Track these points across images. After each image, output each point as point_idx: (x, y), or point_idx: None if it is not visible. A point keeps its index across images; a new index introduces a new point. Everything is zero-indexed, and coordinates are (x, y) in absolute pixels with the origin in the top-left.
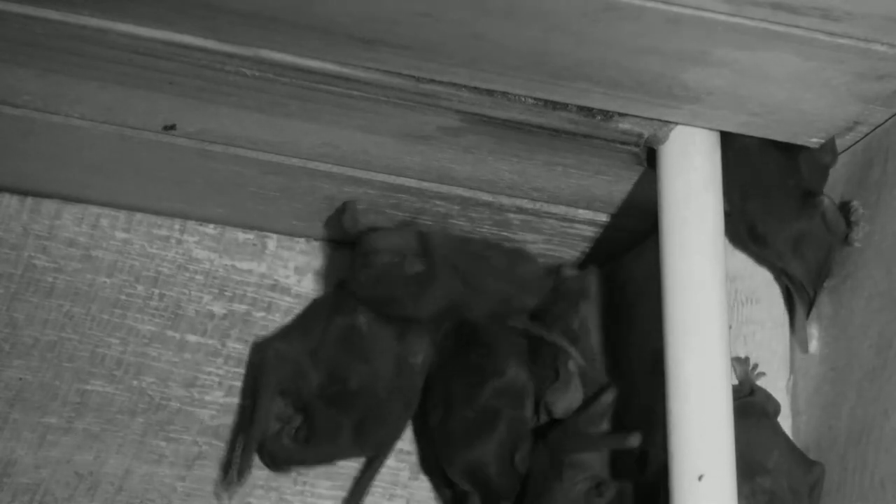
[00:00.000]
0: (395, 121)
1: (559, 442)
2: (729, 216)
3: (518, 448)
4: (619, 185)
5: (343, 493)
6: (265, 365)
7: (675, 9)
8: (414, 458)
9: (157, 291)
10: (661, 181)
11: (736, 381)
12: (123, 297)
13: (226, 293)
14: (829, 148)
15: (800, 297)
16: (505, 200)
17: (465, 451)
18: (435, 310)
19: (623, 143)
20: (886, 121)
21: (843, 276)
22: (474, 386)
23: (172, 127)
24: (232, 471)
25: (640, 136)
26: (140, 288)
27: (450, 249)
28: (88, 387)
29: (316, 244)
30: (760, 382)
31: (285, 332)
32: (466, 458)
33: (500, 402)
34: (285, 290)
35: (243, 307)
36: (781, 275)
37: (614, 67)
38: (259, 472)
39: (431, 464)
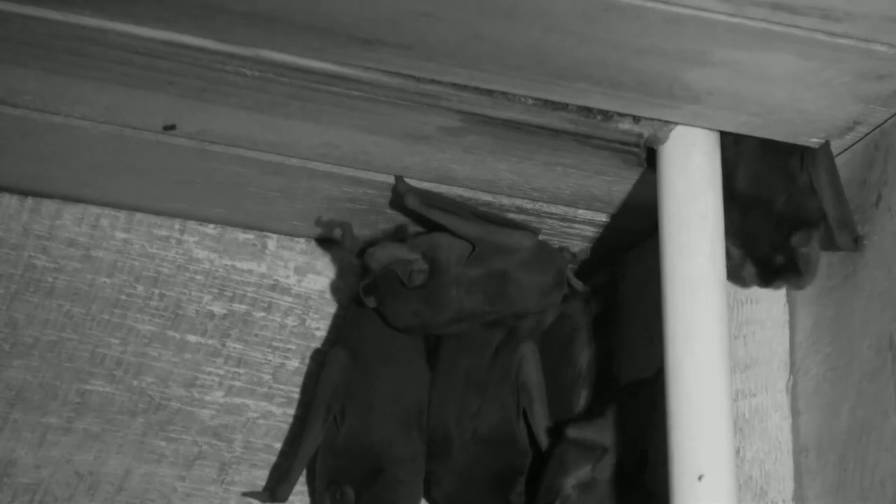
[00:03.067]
0: (395, 121)
1: None
2: None
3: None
4: (619, 185)
5: None
6: (324, 372)
7: (675, 9)
8: None
9: (157, 291)
10: (661, 181)
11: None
12: (123, 297)
13: (226, 293)
14: None
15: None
16: (505, 200)
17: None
18: (449, 316)
19: (623, 143)
20: (886, 121)
21: (843, 276)
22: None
23: (172, 127)
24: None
25: (640, 136)
26: (140, 288)
27: (457, 256)
28: (88, 387)
29: (316, 244)
30: (761, 383)
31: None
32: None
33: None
34: (285, 290)
35: (243, 307)
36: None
37: (614, 67)
38: (259, 472)
39: None
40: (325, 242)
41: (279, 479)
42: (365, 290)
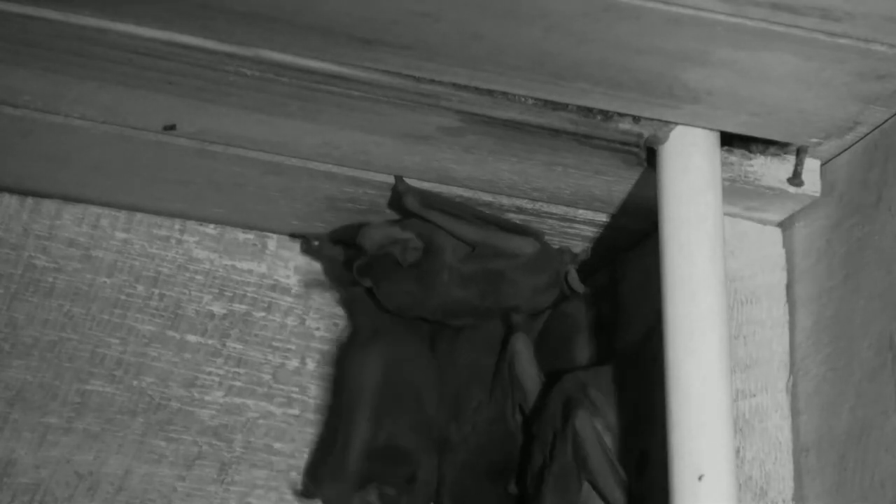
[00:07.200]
0: (395, 121)
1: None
2: None
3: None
4: (619, 185)
5: None
6: (358, 374)
7: (675, 9)
8: None
9: (157, 291)
10: (661, 181)
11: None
12: (123, 297)
13: (226, 293)
14: None
15: None
16: (505, 200)
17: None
18: (438, 302)
19: (623, 143)
20: (886, 121)
21: (843, 275)
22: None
23: (172, 127)
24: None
25: (640, 136)
26: (140, 288)
27: (454, 246)
28: (88, 387)
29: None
30: (761, 383)
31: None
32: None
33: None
34: (285, 290)
35: (243, 307)
36: None
37: (614, 67)
38: (259, 472)
39: None
40: (308, 251)
41: (334, 476)
42: (359, 271)
